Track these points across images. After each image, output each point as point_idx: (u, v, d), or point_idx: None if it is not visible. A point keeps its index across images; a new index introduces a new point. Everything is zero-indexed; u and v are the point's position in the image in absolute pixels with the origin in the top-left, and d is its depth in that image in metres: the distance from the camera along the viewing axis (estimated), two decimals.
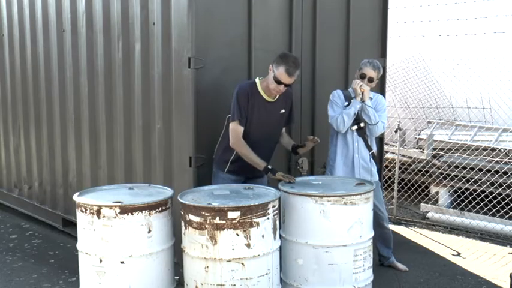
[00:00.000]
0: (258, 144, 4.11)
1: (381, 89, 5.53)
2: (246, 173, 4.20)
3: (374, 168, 4.76)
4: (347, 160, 4.71)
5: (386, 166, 7.46)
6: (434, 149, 7.16)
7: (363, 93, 4.56)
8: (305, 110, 5.09)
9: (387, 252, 5.00)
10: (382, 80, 5.76)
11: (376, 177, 4.79)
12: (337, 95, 4.70)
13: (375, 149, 4.80)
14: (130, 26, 4.83)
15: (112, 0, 5.00)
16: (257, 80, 4.14)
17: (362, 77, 4.63)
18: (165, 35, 4.47)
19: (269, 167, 4.01)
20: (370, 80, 4.62)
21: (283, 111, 4.23)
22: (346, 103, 4.61)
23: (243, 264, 3.42)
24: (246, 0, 4.55)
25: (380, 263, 4.99)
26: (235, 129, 4.04)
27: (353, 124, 4.63)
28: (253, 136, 4.11)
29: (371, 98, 4.67)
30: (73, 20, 5.58)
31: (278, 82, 3.97)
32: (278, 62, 3.97)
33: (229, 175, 4.20)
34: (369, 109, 4.57)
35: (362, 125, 4.64)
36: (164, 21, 4.46)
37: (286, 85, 4.00)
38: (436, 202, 7.04)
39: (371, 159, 4.73)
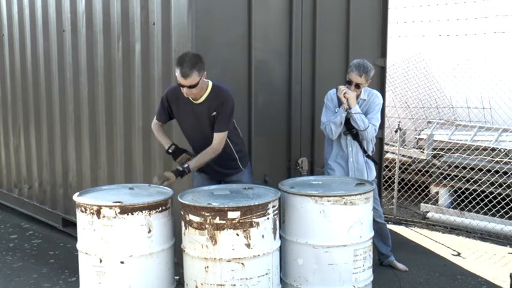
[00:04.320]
0: (195, 144, 4.12)
1: (381, 89, 5.53)
2: (212, 173, 4.16)
3: (370, 169, 4.75)
4: (342, 163, 4.70)
5: (386, 166, 7.46)
6: (434, 149, 7.15)
7: (348, 101, 4.49)
8: (305, 110, 5.09)
9: (386, 250, 5.00)
10: (382, 80, 5.75)
11: (373, 176, 4.79)
12: (330, 98, 4.66)
13: (371, 151, 4.78)
14: (130, 26, 4.83)
15: (112, 0, 5.01)
16: None
17: (349, 83, 4.55)
18: (165, 35, 4.47)
19: (170, 150, 4.06)
20: (357, 86, 4.53)
21: (214, 113, 3.96)
22: (338, 109, 4.58)
23: (243, 264, 3.42)
24: (246, 0, 4.54)
25: (380, 262, 4.99)
26: (154, 122, 4.22)
27: (346, 130, 4.62)
28: (189, 136, 4.15)
29: (364, 100, 4.63)
30: (73, 20, 5.58)
31: (180, 85, 3.82)
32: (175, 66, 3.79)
33: (202, 174, 4.18)
34: (355, 116, 4.50)
35: (355, 131, 4.60)
36: (164, 21, 4.46)
37: (190, 86, 3.78)
38: (436, 202, 7.03)
39: (366, 160, 4.73)
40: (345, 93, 4.49)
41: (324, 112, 4.68)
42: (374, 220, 4.73)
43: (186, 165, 3.91)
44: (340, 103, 4.56)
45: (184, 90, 3.82)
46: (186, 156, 4.07)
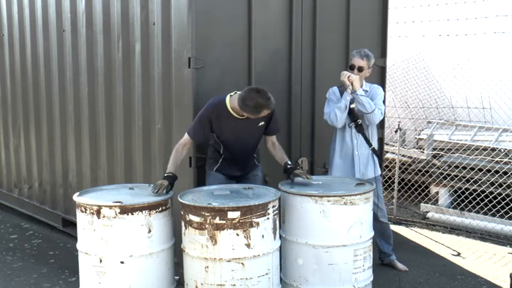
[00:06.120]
0: (234, 157, 4.18)
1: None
2: (234, 173, 4.25)
3: (375, 163, 4.75)
4: (346, 158, 4.68)
5: (386, 166, 7.46)
6: (434, 149, 7.15)
7: (352, 84, 4.48)
8: (305, 110, 5.09)
9: (387, 249, 4.99)
10: (382, 80, 5.75)
11: (378, 172, 4.79)
12: (332, 92, 4.68)
13: (375, 144, 4.78)
14: (130, 26, 4.83)
15: (112, 0, 5.01)
16: (227, 98, 4.02)
17: (351, 68, 4.58)
18: (165, 35, 4.47)
19: (166, 174, 3.89)
20: (360, 69, 4.55)
21: (262, 123, 4.13)
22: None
23: (243, 264, 3.42)
24: (246, 1, 4.54)
25: (380, 260, 4.99)
26: (185, 140, 4.05)
27: (351, 121, 4.62)
28: (232, 148, 4.15)
29: (366, 91, 4.63)
30: (73, 20, 5.58)
31: (257, 117, 3.95)
32: (256, 111, 3.85)
33: (219, 174, 4.23)
34: (361, 98, 4.47)
35: (360, 121, 4.62)
36: (164, 21, 4.46)
37: None
38: (436, 202, 7.03)
39: (372, 154, 4.72)
40: (348, 76, 4.48)
41: (327, 105, 4.66)
42: (379, 220, 4.74)
43: (289, 163, 4.16)
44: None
45: (256, 116, 3.92)
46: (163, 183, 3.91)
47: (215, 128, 4.06)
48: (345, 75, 4.49)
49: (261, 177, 4.41)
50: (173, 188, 3.90)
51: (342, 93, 4.59)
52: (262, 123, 4.13)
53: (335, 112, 4.53)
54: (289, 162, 4.19)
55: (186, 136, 4.08)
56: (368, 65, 4.59)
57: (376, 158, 4.76)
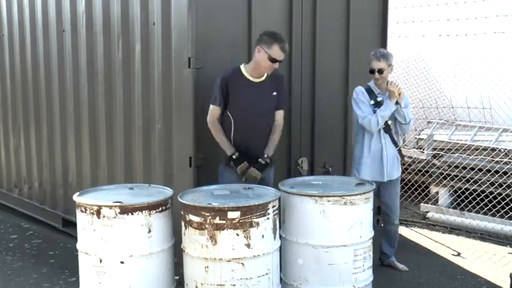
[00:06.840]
0: (251, 126, 4.11)
1: None
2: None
3: (399, 164, 4.80)
4: (375, 158, 4.67)
5: None
6: (434, 149, 7.15)
7: (400, 95, 4.52)
8: (305, 110, 5.09)
9: (390, 251, 5.00)
10: None
11: (400, 172, 4.84)
12: (361, 93, 4.64)
13: (400, 145, 4.83)
14: (130, 26, 4.83)
15: (112, 0, 5.01)
16: (241, 65, 4.15)
17: (372, 72, 4.59)
18: (165, 35, 4.47)
19: (233, 156, 4.02)
20: (380, 71, 4.56)
21: (275, 93, 4.18)
22: (372, 101, 4.60)
23: (243, 264, 3.42)
24: (246, 1, 4.55)
25: (380, 262, 4.98)
26: (213, 112, 4.11)
27: None
28: (246, 115, 4.09)
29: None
30: (73, 20, 5.58)
31: (274, 61, 4.01)
32: (268, 42, 3.97)
33: (233, 175, 4.11)
34: (404, 110, 4.58)
35: (390, 122, 4.64)
36: (164, 21, 4.46)
37: (279, 61, 4.06)
38: (436, 202, 7.03)
39: (398, 155, 4.76)
40: (399, 88, 4.51)
41: (359, 107, 4.62)
42: (391, 222, 4.79)
43: (265, 156, 4.08)
44: (373, 96, 4.59)
45: (275, 66, 4.03)
46: (246, 165, 4.04)
47: (232, 92, 4.04)
48: (396, 86, 4.52)
49: (272, 180, 4.28)
50: (174, 186, 3.89)
51: (369, 94, 4.61)
52: (275, 93, 4.15)
53: (377, 119, 4.53)
54: (265, 156, 4.10)
55: (211, 108, 4.09)
56: (387, 63, 4.58)
57: (400, 159, 4.80)
